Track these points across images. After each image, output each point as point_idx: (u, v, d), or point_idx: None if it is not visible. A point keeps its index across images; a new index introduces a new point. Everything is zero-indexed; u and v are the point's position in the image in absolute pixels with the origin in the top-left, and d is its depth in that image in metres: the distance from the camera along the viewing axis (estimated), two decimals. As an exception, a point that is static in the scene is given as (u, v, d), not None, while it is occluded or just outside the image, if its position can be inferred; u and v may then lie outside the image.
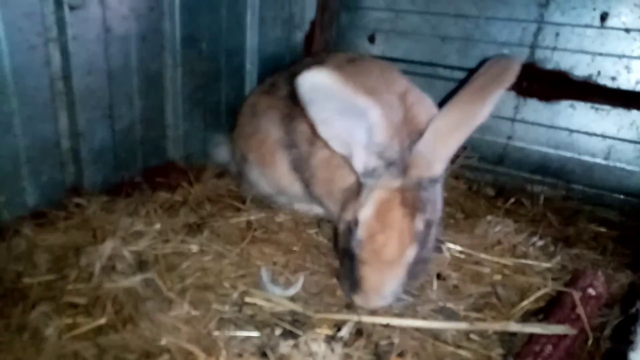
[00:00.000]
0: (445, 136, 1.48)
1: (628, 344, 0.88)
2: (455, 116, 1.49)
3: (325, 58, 2.05)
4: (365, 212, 1.46)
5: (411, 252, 1.46)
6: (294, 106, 1.86)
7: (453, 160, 2.43)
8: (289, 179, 1.95)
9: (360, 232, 1.46)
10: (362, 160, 1.50)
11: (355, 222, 1.47)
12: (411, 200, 1.45)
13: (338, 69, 1.61)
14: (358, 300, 1.50)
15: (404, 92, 1.73)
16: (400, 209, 1.43)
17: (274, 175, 2.00)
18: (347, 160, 1.55)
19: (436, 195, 1.54)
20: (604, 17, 2.20)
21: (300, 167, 1.89)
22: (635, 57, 2.18)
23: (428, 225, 1.49)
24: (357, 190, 1.56)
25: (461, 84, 2.52)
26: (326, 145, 1.56)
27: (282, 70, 2.18)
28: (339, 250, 1.62)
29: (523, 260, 1.80)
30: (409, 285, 1.58)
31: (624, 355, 0.87)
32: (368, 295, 1.48)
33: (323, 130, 1.49)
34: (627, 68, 2.19)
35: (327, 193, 1.80)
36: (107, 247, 1.56)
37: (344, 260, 1.54)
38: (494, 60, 1.73)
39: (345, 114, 1.41)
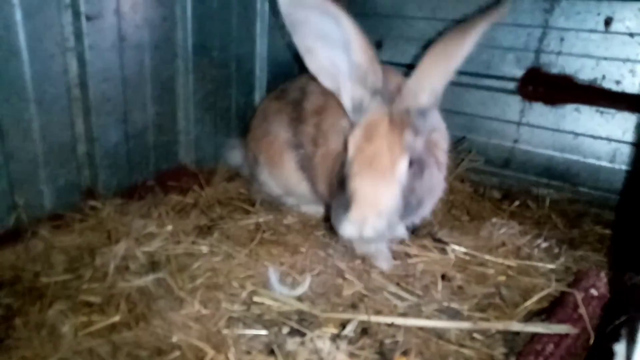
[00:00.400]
0: (430, 68, 1.51)
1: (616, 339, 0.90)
2: (439, 50, 1.51)
3: None
4: (354, 133, 1.47)
5: (403, 164, 1.44)
6: (301, 110, 1.94)
7: (458, 163, 2.47)
8: (296, 178, 2.01)
9: (350, 151, 1.46)
10: (348, 93, 1.55)
11: (345, 147, 1.48)
12: (399, 120, 1.46)
13: None
14: (351, 219, 1.38)
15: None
16: (388, 125, 1.45)
17: (282, 175, 2.05)
18: (337, 97, 1.60)
19: (431, 130, 1.60)
20: (608, 21, 2.22)
21: (306, 167, 1.95)
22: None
23: (420, 163, 1.50)
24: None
25: (467, 87, 2.59)
26: (325, 143, 1.64)
27: (294, 77, 2.24)
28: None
29: (527, 262, 1.82)
30: (404, 218, 1.51)
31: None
32: (361, 210, 1.38)
33: (310, 62, 1.57)
34: (632, 72, 2.21)
35: (328, 187, 1.82)
36: (121, 247, 1.62)
37: (337, 195, 1.49)
38: None
39: (326, 39, 1.49)
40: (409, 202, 1.48)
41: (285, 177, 2.05)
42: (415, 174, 1.49)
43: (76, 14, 1.78)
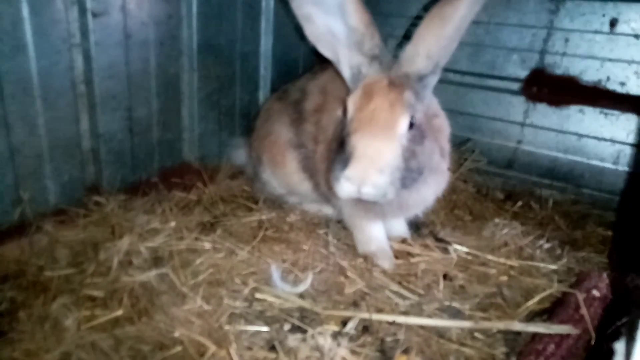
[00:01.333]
0: (425, 33, 1.54)
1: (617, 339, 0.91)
2: (434, 15, 1.54)
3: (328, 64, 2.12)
4: (354, 94, 1.49)
5: (404, 122, 1.44)
6: (301, 110, 1.97)
7: (461, 164, 2.47)
8: (298, 177, 2.03)
9: (349, 110, 1.47)
10: (346, 61, 1.57)
11: (344, 109, 1.50)
12: (398, 82, 1.49)
13: (335, 74, 1.79)
14: (349, 175, 1.36)
15: None
16: (387, 84, 1.47)
17: (285, 175, 2.07)
18: (336, 66, 1.61)
19: (431, 104, 1.65)
20: (613, 23, 2.21)
21: (308, 166, 1.97)
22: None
23: (420, 129, 1.51)
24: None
25: (471, 88, 2.59)
26: (324, 139, 1.67)
27: (298, 75, 2.26)
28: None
29: (529, 262, 1.82)
30: (404, 185, 1.47)
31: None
32: (361, 165, 1.36)
33: (309, 31, 1.59)
34: (637, 73, 2.21)
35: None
36: (125, 243, 1.63)
37: (335, 158, 1.48)
38: None
39: (322, 5, 1.52)
40: (409, 166, 1.46)
41: (288, 177, 2.06)
42: (415, 137, 1.49)
43: (82, 11, 1.79)
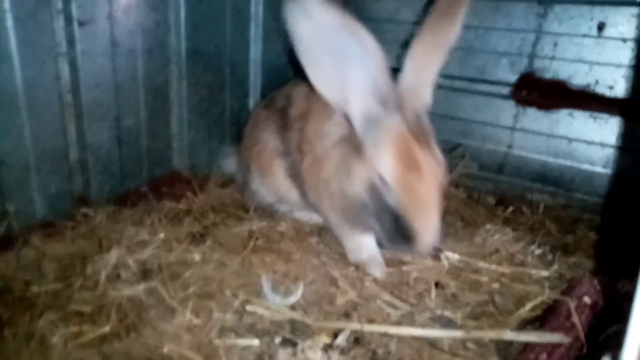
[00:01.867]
0: (424, 62, 1.51)
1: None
2: (429, 41, 1.51)
3: None
4: (386, 160, 1.46)
5: (443, 182, 1.50)
6: (286, 117, 1.95)
7: (452, 169, 2.47)
8: (285, 186, 2.01)
9: (392, 183, 1.47)
10: (358, 106, 1.50)
11: (381, 180, 1.48)
12: (420, 131, 1.49)
13: None
14: (417, 248, 1.50)
15: None
16: (416, 143, 1.45)
17: (273, 183, 2.05)
18: (342, 113, 1.55)
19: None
20: (601, 27, 2.22)
21: (294, 175, 1.95)
22: (632, 66, 2.20)
23: None
24: (355, 151, 1.57)
25: (461, 92, 2.59)
26: (310, 150, 1.67)
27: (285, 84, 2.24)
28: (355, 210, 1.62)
29: (521, 269, 1.82)
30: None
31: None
32: (425, 240, 1.48)
33: (313, 75, 1.49)
34: (625, 77, 2.21)
35: (319, 195, 1.81)
36: (113, 256, 1.60)
37: (381, 219, 1.53)
38: None
39: (337, 54, 1.42)
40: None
41: (276, 186, 2.05)
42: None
43: (68, 20, 1.77)
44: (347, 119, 1.57)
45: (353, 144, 1.59)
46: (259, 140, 2.07)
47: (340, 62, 1.44)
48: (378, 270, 1.76)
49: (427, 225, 1.47)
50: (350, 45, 1.41)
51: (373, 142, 1.51)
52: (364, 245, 1.81)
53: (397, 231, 1.50)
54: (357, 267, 1.79)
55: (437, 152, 1.51)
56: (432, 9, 1.57)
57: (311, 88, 1.85)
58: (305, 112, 1.88)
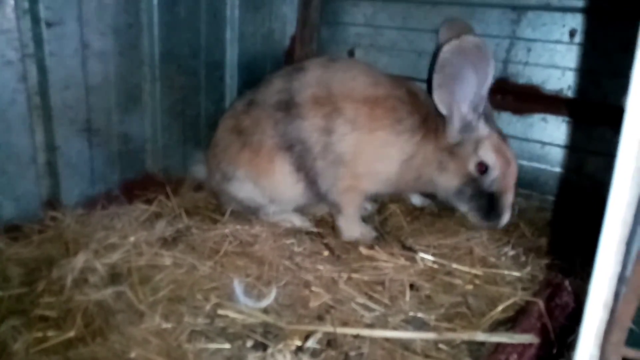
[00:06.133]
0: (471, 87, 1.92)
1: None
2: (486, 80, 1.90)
3: (306, 62, 2.16)
4: (490, 157, 1.95)
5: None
6: (292, 107, 2.01)
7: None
8: (290, 180, 2.05)
9: (494, 173, 1.96)
10: (460, 115, 1.93)
11: (482, 169, 1.95)
12: (504, 137, 2.03)
13: (325, 68, 2.03)
14: (502, 222, 2.01)
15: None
16: (506, 146, 2.00)
17: (272, 181, 2.05)
18: (447, 118, 1.96)
19: None
20: (572, 33, 2.26)
21: (306, 164, 2.02)
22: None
23: None
24: (448, 151, 2.00)
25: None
26: (354, 130, 1.96)
27: (249, 90, 2.22)
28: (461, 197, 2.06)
29: (494, 270, 1.83)
30: None
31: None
32: (508, 213, 2.01)
33: (437, 95, 1.91)
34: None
35: (362, 174, 2.02)
36: (80, 259, 1.57)
37: (476, 201, 2.01)
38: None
39: (460, 79, 1.85)
40: None
41: (277, 183, 2.05)
42: None
43: (35, 20, 1.73)
44: (442, 124, 1.99)
45: (445, 146, 2.00)
46: (249, 144, 2.06)
47: (459, 85, 1.87)
48: (369, 238, 2.06)
49: (510, 201, 2.00)
50: (473, 73, 1.83)
51: (470, 143, 1.96)
52: (359, 223, 2.10)
53: (491, 209, 1.99)
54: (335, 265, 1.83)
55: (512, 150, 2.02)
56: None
57: (320, 76, 2.05)
58: (329, 96, 1.99)
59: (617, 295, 0.66)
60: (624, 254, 0.63)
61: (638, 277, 0.60)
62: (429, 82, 1.98)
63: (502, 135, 2.03)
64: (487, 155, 1.95)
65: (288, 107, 2.02)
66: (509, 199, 1.99)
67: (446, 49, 1.80)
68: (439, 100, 1.92)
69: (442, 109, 1.94)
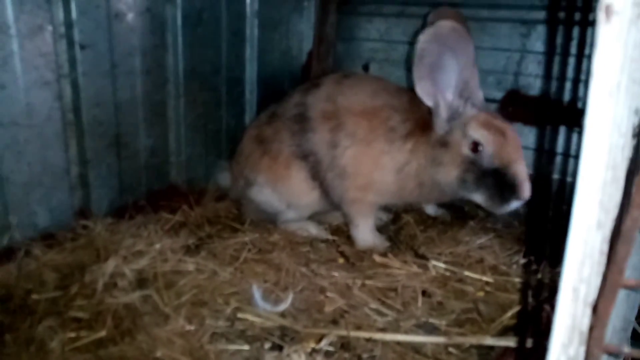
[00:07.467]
0: (471, 72, 1.86)
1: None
2: (462, 58, 1.82)
3: (323, 78, 2.27)
4: (479, 133, 1.83)
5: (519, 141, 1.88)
6: (306, 121, 2.11)
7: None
8: (305, 187, 2.14)
9: (488, 147, 1.82)
10: (447, 104, 1.86)
11: (474, 147, 1.84)
12: (494, 113, 1.94)
13: (337, 84, 2.12)
14: (520, 196, 1.80)
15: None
16: (497, 119, 1.88)
17: (290, 186, 2.15)
18: (434, 110, 1.90)
19: None
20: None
21: (319, 174, 2.11)
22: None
23: None
24: (439, 144, 1.92)
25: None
26: (354, 143, 2.00)
27: (275, 103, 2.34)
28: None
29: (505, 278, 1.88)
30: None
31: None
32: (526, 184, 1.79)
33: (420, 88, 1.86)
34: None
35: (365, 186, 2.05)
36: (110, 265, 1.68)
37: (483, 183, 1.86)
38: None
39: (441, 66, 1.78)
40: None
41: (293, 188, 2.16)
42: None
43: (70, 43, 1.87)
44: (429, 114, 1.93)
45: (431, 140, 1.94)
46: (268, 152, 2.18)
47: (440, 74, 1.81)
48: (382, 247, 2.10)
49: (523, 173, 1.80)
50: (454, 60, 1.78)
51: (459, 127, 1.87)
52: (373, 232, 2.13)
53: (501, 187, 1.82)
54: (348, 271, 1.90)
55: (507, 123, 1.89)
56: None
57: (329, 93, 2.13)
58: (334, 112, 2.07)
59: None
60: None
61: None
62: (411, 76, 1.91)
63: (494, 114, 1.95)
64: (476, 132, 1.84)
65: (302, 120, 2.13)
66: (518, 169, 1.81)
67: (423, 39, 1.74)
68: (422, 92, 1.87)
69: (427, 101, 1.89)
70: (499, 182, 1.82)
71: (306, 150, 2.12)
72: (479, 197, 1.90)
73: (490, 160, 1.83)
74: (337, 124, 2.06)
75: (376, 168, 2.02)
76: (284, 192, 2.17)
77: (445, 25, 1.72)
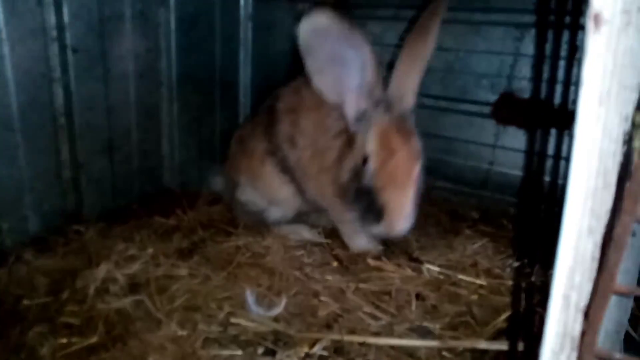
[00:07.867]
0: (408, 72, 1.74)
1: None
2: (410, 55, 1.74)
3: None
4: (371, 146, 1.69)
5: (417, 169, 1.69)
6: (273, 112, 2.07)
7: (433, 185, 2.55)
8: (278, 180, 2.11)
9: (372, 164, 1.68)
10: (353, 105, 1.73)
11: (364, 159, 1.70)
12: (403, 127, 1.71)
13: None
14: (385, 227, 1.69)
15: None
16: (398, 135, 1.68)
17: (265, 181, 2.14)
18: (338, 108, 1.78)
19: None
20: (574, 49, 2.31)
21: (287, 169, 2.07)
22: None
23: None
24: (347, 142, 1.82)
25: (444, 112, 2.69)
26: (311, 143, 1.88)
27: None
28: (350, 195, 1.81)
29: (499, 281, 1.88)
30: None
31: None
32: (395, 218, 1.67)
33: (318, 81, 1.73)
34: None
35: (321, 185, 1.98)
36: (101, 270, 1.67)
37: (359, 199, 1.75)
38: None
39: (339, 61, 1.64)
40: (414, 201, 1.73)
41: (268, 184, 2.14)
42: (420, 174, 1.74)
43: (62, 47, 1.86)
44: (342, 115, 1.80)
45: (347, 137, 1.83)
46: (246, 150, 2.17)
47: (341, 68, 1.67)
48: (374, 248, 2.02)
49: (398, 206, 1.66)
50: (351, 54, 1.63)
51: (363, 133, 1.74)
52: (362, 235, 2.02)
53: (370, 209, 1.70)
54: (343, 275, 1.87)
55: (416, 145, 1.72)
56: (411, 29, 1.79)
57: (298, 85, 2.03)
58: (297, 106, 2.02)
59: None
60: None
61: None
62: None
63: (407, 129, 1.72)
64: (370, 143, 1.69)
65: (270, 111, 2.10)
66: (392, 198, 1.64)
67: (300, 33, 1.59)
68: (323, 87, 1.73)
69: (329, 97, 1.75)
70: (371, 205, 1.70)
71: (274, 146, 2.08)
72: (353, 212, 1.82)
73: (369, 179, 1.70)
74: (296, 117, 2.01)
75: (319, 164, 1.96)
76: (261, 188, 2.16)
77: (322, 13, 1.56)
